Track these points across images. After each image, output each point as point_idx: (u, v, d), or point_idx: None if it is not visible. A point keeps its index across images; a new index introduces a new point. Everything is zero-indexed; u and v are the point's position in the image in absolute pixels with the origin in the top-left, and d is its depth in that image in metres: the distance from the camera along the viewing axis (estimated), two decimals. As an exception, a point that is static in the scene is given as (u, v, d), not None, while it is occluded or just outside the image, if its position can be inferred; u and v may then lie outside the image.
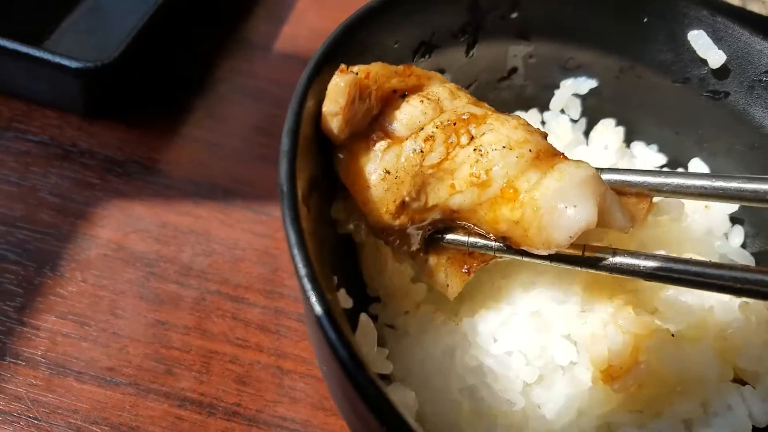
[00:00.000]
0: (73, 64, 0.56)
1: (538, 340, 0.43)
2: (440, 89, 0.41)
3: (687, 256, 0.47)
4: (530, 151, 0.38)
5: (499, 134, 0.38)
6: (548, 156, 0.38)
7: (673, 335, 0.43)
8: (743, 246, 0.51)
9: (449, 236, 0.41)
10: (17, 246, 0.54)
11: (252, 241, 0.58)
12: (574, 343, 0.44)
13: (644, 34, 0.50)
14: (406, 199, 0.38)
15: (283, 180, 0.30)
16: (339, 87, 0.36)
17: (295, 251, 0.28)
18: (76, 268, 0.53)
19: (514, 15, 0.48)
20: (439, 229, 0.42)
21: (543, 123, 0.53)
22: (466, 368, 0.42)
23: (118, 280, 0.53)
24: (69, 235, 0.55)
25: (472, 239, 0.41)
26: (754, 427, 0.44)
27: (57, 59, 0.56)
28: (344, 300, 0.35)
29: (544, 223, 0.36)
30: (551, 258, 0.38)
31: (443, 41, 0.47)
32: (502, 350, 0.43)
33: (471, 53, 0.49)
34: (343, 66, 0.37)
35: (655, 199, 0.43)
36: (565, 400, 0.42)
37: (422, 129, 0.39)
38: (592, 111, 0.53)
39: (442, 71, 0.49)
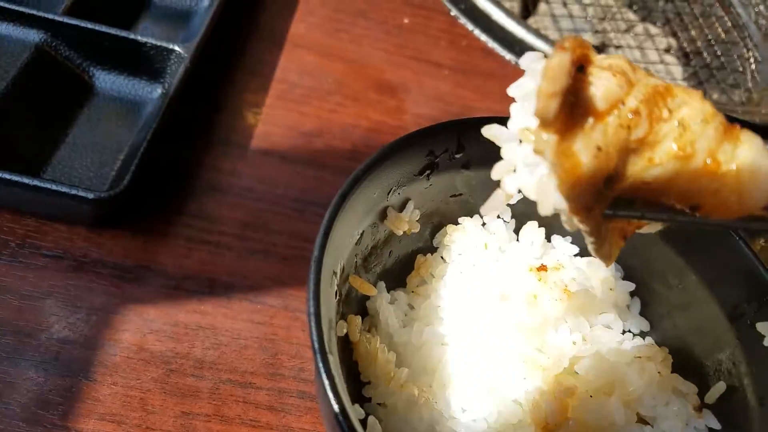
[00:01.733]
0: (89, 195, 0.64)
1: (497, 408, 0.57)
2: (617, 60, 0.40)
3: (599, 323, 0.63)
4: (721, 123, 0.39)
5: (694, 108, 0.39)
6: (730, 127, 0.40)
7: (591, 396, 0.57)
8: (640, 313, 0.67)
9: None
10: (52, 359, 0.62)
11: (252, 329, 0.69)
12: (520, 405, 0.57)
13: (558, 158, 0.64)
14: (613, 174, 0.38)
15: (315, 339, 0.42)
16: (562, 66, 0.34)
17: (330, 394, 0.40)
18: (106, 372, 0.63)
19: (458, 156, 0.61)
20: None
21: (484, 224, 0.67)
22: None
23: (143, 380, 0.63)
24: (95, 343, 0.64)
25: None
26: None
27: (73, 191, 0.64)
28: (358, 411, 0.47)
29: (745, 189, 0.38)
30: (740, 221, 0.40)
31: (408, 180, 0.59)
32: (470, 418, 0.57)
33: (429, 183, 0.61)
34: (561, 43, 0.36)
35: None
36: (517, 451, 0.56)
37: (623, 103, 0.38)
38: (521, 215, 0.67)
39: (408, 199, 0.61)
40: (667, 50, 1.70)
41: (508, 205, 0.67)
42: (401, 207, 0.61)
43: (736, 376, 0.58)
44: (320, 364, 0.42)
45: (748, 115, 1.25)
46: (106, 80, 0.81)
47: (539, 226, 0.68)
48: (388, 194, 0.58)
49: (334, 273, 0.51)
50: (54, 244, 0.70)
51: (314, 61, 0.99)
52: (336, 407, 0.41)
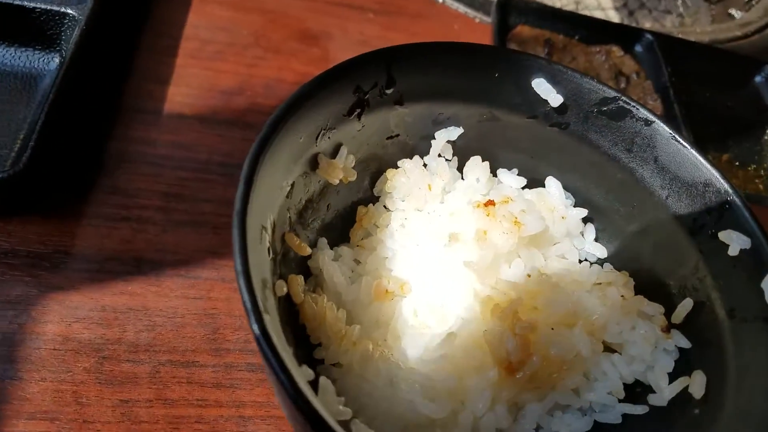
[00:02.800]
0: (-14, 177, 0.58)
1: (457, 353, 0.54)
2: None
3: (554, 254, 0.60)
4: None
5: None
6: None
7: (552, 329, 0.55)
8: (596, 240, 0.65)
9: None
10: (-33, 360, 0.56)
11: (189, 306, 0.64)
12: (481, 346, 0.55)
13: (497, 85, 0.60)
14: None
15: (246, 299, 0.38)
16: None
17: (269, 354, 0.36)
18: (32, 368, 0.57)
19: (390, 90, 0.57)
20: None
21: (425, 165, 0.63)
22: (404, 391, 0.51)
23: (74, 371, 0.58)
24: (15, 339, 0.58)
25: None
26: (625, 384, 0.57)
27: (-33, 174, 0.58)
28: (306, 372, 0.44)
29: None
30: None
31: (338, 122, 0.55)
32: (429, 368, 0.54)
33: (361, 125, 0.57)
34: None
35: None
36: (482, 394, 0.53)
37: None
38: (463, 151, 0.64)
39: (340, 144, 0.57)
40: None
41: (450, 142, 0.63)
42: (333, 153, 0.57)
43: (702, 290, 0.57)
44: (254, 325, 0.38)
45: (683, 35, 1.24)
46: (-4, 53, 0.73)
47: (483, 161, 0.65)
48: (317, 139, 0.54)
49: (264, 228, 0.46)
50: (-46, 238, 0.63)
51: (227, 15, 0.93)
52: (277, 367, 0.37)
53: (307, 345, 0.56)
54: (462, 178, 0.64)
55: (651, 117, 0.58)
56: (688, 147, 0.57)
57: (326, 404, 0.45)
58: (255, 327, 0.38)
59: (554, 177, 0.65)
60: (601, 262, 0.64)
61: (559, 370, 0.56)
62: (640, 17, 1.60)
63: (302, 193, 0.55)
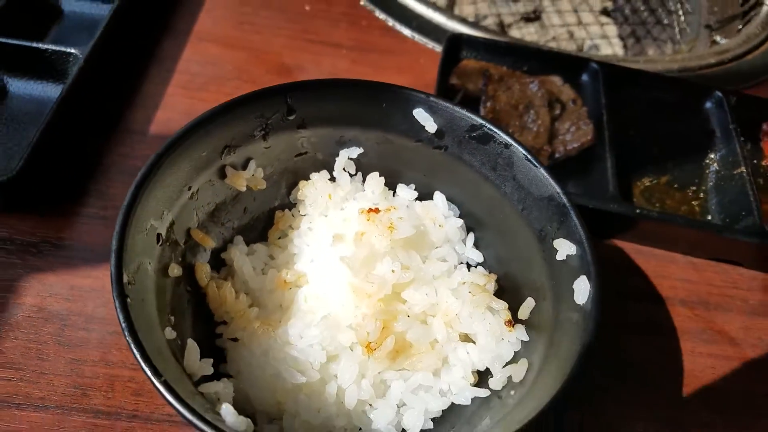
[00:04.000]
0: (-17, 181, 0.75)
1: (331, 333, 0.65)
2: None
3: (434, 257, 0.70)
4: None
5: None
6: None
7: (408, 316, 0.65)
8: (476, 246, 0.74)
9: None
10: (-38, 320, 0.73)
11: (141, 290, 0.78)
12: (352, 329, 0.65)
13: (386, 114, 0.72)
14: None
15: (113, 271, 0.51)
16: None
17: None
18: (9, 329, 0.73)
19: (292, 117, 0.70)
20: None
21: (333, 179, 0.75)
22: (275, 360, 0.63)
23: (41, 334, 0.73)
24: (1, 306, 0.74)
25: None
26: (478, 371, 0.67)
27: (-28, 178, 0.75)
28: (169, 333, 0.56)
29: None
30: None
31: (243, 141, 0.68)
32: (305, 344, 0.65)
33: (268, 144, 0.70)
34: None
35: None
36: (349, 369, 0.64)
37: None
38: (365, 167, 0.75)
39: (249, 158, 0.70)
40: (603, 12, 1.75)
41: (352, 159, 0.75)
42: (244, 166, 0.70)
43: (542, 291, 0.66)
44: (114, 292, 0.51)
45: (676, 63, 1.30)
46: (17, 86, 0.92)
47: (386, 177, 0.76)
48: (222, 154, 0.67)
49: (155, 220, 0.60)
50: (-32, 228, 0.81)
51: (217, 52, 1.09)
52: (126, 329, 0.50)
53: (212, 322, 0.69)
54: (363, 191, 0.76)
55: (509, 141, 0.68)
56: (538, 166, 0.66)
57: (189, 362, 0.58)
58: (114, 293, 0.51)
59: (441, 192, 0.75)
60: (477, 265, 0.74)
61: (420, 352, 0.66)
62: (646, 45, 1.66)
63: (211, 197, 0.68)
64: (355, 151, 0.74)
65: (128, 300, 0.51)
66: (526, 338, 0.65)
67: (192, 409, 0.46)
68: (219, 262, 0.72)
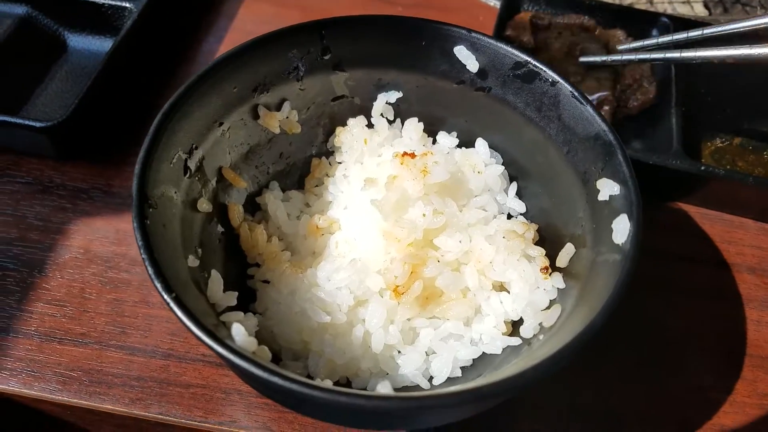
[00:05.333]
0: (37, 125, 0.76)
1: (359, 277, 0.62)
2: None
3: (474, 206, 0.66)
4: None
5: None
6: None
7: (438, 262, 0.61)
8: (520, 196, 0.69)
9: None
10: (14, 258, 0.74)
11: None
12: (381, 274, 0.62)
13: (425, 54, 0.68)
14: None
15: (135, 191, 0.50)
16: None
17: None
18: (56, 269, 0.74)
19: (327, 56, 0.67)
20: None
21: (371, 125, 0.72)
22: (302, 299, 0.60)
23: (85, 275, 0.74)
24: (50, 247, 0.76)
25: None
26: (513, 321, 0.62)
27: (26, 122, 0.76)
28: (192, 261, 0.55)
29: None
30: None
31: (276, 80, 0.66)
32: (333, 287, 0.62)
33: (302, 85, 0.67)
34: None
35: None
36: (377, 313, 0.61)
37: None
38: (404, 113, 0.72)
39: (284, 99, 0.68)
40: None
41: (390, 104, 0.71)
42: (278, 107, 0.68)
43: (582, 236, 0.60)
44: (134, 212, 0.50)
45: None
46: (76, 40, 0.94)
47: (427, 123, 0.72)
48: (255, 92, 0.65)
49: (183, 152, 0.58)
50: (26, 173, 0.82)
51: (272, 11, 1.07)
52: (142, 245, 0.49)
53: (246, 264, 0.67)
54: (401, 137, 0.72)
55: (556, 77, 0.62)
56: (584, 104, 0.60)
57: (212, 292, 0.56)
58: (134, 212, 0.50)
59: (484, 138, 0.70)
60: (519, 216, 0.69)
61: (450, 300, 0.62)
62: (733, 11, 1.52)
63: (244, 138, 0.66)
64: (394, 96, 0.71)
65: (147, 221, 0.50)
66: (562, 286, 0.60)
67: (198, 323, 0.44)
68: (254, 207, 0.70)
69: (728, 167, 0.87)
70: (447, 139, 0.71)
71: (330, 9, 1.07)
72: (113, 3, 0.91)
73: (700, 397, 0.69)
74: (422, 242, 0.63)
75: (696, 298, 0.77)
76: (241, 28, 1.04)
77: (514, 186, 0.69)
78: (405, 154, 0.66)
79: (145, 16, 0.90)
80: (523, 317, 0.60)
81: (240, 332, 0.49)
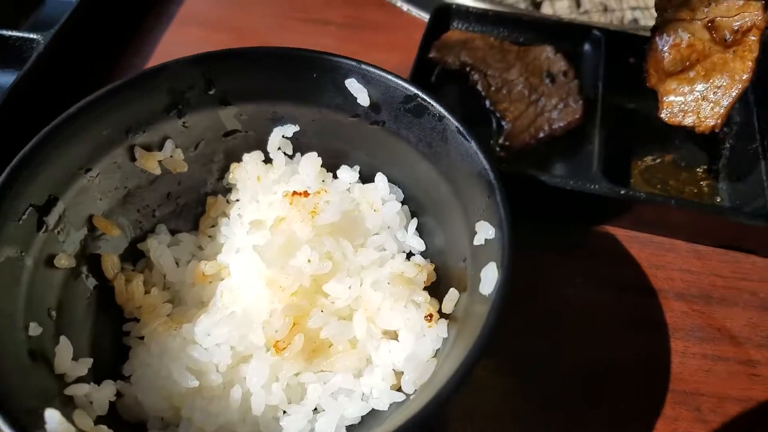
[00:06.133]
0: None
1: (240, 331, 0.57)
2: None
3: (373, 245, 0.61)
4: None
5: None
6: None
7: (322, 311, 0.56)
8: (420, 234, 0.64)
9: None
10: None
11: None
12: (264, 329, 0.57)
13: (318, 86, 0.63)
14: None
15: None
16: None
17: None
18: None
19: (212, 92, 0.62)
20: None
21: (268, 160, 0.67)
22: (171, 361, 0.55)
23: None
24: None
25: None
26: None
27: None
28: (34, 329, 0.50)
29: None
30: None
31: (153, 119, 0.61)
32: (212, 343, 0.57)
33: (186, 122, 0.63)
34: None
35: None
36: (259, 371, 0.56)
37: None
38: (304, 147, 0.67)
39: (166, 137, 0.63)
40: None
41: (288, 138, 0.66)
42: (160, 146, 0.63)
43: (464, 280, 0.56)
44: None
45: None
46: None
47: (327, 157, 0.67)
48: (128, 133, 0.60)
49: (37, 206, 0.53)
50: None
51: (200, 36, 1.03)
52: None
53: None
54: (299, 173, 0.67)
55: (443, 112, 0.58)
56: (470, 140, 0.55)
57: (59, 361, 0.51)
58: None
59: (384, 173, 0.65)
60: (418, 254, 0.64)
61: (338, 352, 0.57)
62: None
63: (120, 181, 0.61)
64: (290, 129, 0.66)
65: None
66: (445, 335, 0.55)
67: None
68: (138, 255, 0.65)
69: (659, 187, 0.83)
70: (348, 174, 0.66)
71: (262, 32, 1.03)
72: (20, 35, 0.86)
73: (617, 440, 0.64)
74: (311, 290, 0.58)
75: (619, 329, 0.72)
76: (168, 54, 0.98)
77: (414, 223, 0.64)
78: (295, 193, 0.61)
79: (53, 47, 0.86)
80: (404, 371, 0.55)
81: (54, 419, 0.44)
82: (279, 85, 0.64)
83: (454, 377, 0.42)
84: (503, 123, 0.85)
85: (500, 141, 0.84)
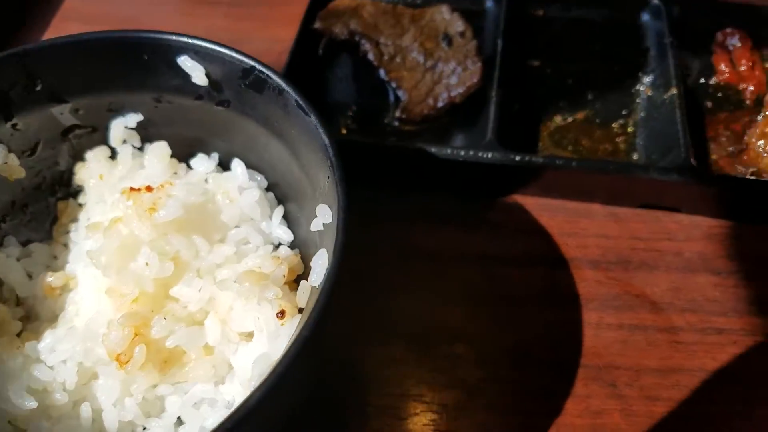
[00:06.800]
0: None
1: (86, 345, 0.51)
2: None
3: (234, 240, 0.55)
4: None
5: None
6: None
7: (165, 318, 0.50)
8: (289, 222, 0.58)
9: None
10: None
11: None
12: (104, 342, 0.50)
13: (152, 69, 0.56)
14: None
15: None
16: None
17: None
18: None
19: (38, 88, 0.55)
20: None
21: (114, 156, 0.60)
22: (11, 381, 0.49)
23: None
24: None
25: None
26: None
27: None
28: None
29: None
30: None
31: (-29, 124, 0.54)
32: (58, 359, 0.51)
33: (15, 125, 0.56)
34: None
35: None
36: (109, 387, 0.50)
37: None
38: (154, 137, 0.60)
39: (-4, 143, 0.56)
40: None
41: (132, 129, 0.60)
42: (-11, 153, 0.56)
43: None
44: None
45: None
46: None
47: (181, 146, 0.60)
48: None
49: None
50: None
51: (79, 30, 0.94)
52: None
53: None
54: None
55: (282, 85, 0.51)
56: (309, 114, 0.49)
57: None
58: None
59: (241, 159, 0.59)
60: (282, 245, 0.57)
61: (193, 360, 0.51)
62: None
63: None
64: (133, 119, 0.59)
65: None
66: (292, 330, 0.49)
67: None
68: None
69: (570, 148, 0.76)
70: (204, 163, 0.60)
71: (147, 22, 0.95)
72: None
73: (524, 422, 0.58)
74: (158, 295, 0.52)
75: (527, 305, 0.66)
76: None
77: (280, 211, 0.58)
78: (132, 189, 0.54)
79: None
80: (252, 374, 0.48)
81: None
82: (111, 73, 0.57)
83: (267, 380, 0.36)
84: (400, 94, 0.78)
85: (396, 114, 0.77)
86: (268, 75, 0.51)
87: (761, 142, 0.69)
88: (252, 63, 0.52)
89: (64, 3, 0.98)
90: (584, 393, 0.60)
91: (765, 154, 0.69)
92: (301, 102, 0.49)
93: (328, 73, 0.83)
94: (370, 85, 0.80)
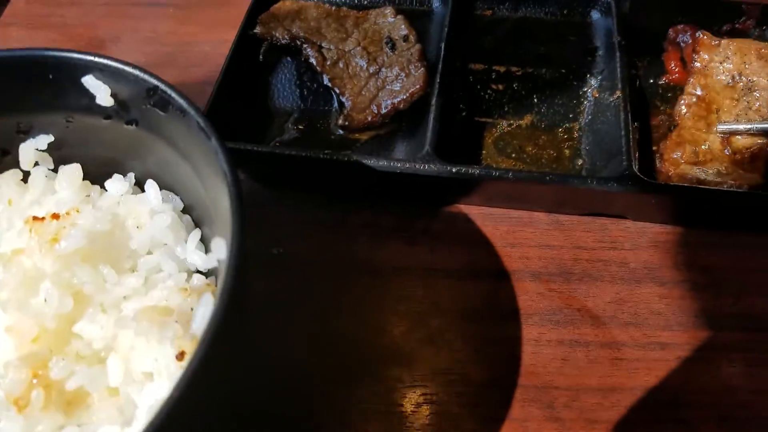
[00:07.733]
0: None
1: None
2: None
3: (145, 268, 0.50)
4: None
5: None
6: None
7: (64, 359, 0.45)
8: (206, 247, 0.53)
9: None
10: None
11: None
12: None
13: (58, 88, 0.51)
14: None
15: None
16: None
17: None
18: None
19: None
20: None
21: (25, 179, 0.55)
22: None
23: None
24: None
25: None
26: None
27: None
28: None
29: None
30: None
31: None
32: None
33: None
34: None
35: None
36: (12, 430, 0.45)
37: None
38: (68, 159, 0.55)
39: None
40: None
41: (43, 151, 0.55)
42: None
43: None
44: None
45: None
46: None
47: (94, 169, 0.55)
48: None
49: None
50: None
51: (23, 36, 0.90)
52: None
53: None
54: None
55: (184, 106, 0.46)
56: (210, 138, 0.44)
57: None
58: None
59: (156, 180, 0.54)
60: (199, 272, 0.53)
61: (94, 402, 0.47)
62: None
63: None
64: (44, 140, 0.54)
65: None
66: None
67: None
68: None
69: (513, 156, 0.71)
70: (118, 185, 0.55)
71: (89, 24, 0.90)
72: None
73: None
74: (62, 332, 0.47)
75: (465, 321, 0.62)
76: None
77: (196, 234, 0.53)
78: (35, 218, 0.49)
79: None
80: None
81: None
82: (16, 93, 0.52)
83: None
84: (343, 100, 0.73)
85: (339, 122, 0.72)
86: (170, 95, 0.47)
87: (677, 153, 0.66)
88: (155, 82, 0.47)
89: (8, 7, 0.92)
90: (521, 416, 0.56)
91: (682, 161, 0.65)
92: (202, 124, 0.44)
93: (271, 79, 0.78)
94: (315, 90, 0.76)
